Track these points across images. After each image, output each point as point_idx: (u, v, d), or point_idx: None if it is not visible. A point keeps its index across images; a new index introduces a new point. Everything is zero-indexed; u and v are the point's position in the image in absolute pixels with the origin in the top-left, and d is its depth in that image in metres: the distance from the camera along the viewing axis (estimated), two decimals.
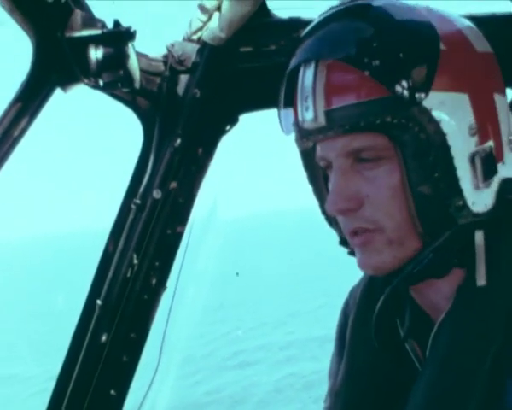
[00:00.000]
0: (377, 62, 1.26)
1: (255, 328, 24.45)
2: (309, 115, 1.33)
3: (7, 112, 1.73)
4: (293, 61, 1.38)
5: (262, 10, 1.98)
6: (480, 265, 1.33)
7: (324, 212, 1.49)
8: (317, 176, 1.47)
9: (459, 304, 1.34)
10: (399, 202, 1.31)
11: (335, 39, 1.32)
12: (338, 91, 1.30)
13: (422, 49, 1.28)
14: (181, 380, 18.36)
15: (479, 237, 1.33)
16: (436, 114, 1.27)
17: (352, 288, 1.70)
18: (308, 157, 1.45)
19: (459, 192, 1.30)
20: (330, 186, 1.36)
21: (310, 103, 1.32)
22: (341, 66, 1.29)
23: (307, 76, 1.33)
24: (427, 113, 1.27)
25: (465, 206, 1.31)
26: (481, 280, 1.32)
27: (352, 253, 1.46)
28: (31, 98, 1.75)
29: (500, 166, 1.34)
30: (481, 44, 1.37)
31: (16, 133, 1.75)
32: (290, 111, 1.41)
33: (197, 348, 22.21)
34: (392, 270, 1.35)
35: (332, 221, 1.48)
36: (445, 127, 1.27)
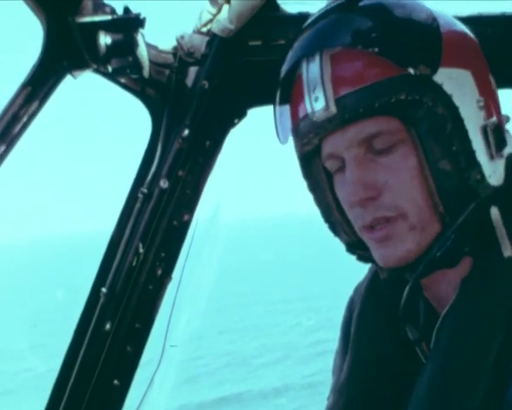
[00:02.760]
0: (386, 42, 1.28)
1: (324, 320, 25.37)
2: (319, 105, 1.31)
3: (17, 96, 1.74)
4: (292, 58, 1.38)
5: (271, 4, 1.99)
6: (502, 237, 1.32)
7: (327, 220, 1.47)
8: (320, 182, 1.44)
9: (462, 296, 1.34)
10: (419, 183, 1.31)
11: (341, 27, 1.34)
12: (347, 78, 1.30)
13: (427, 27, 1.31)
14: (272, 365, 20.33)
15: (494, 212, 1.33)
16: (447, 88, 1.29)
17: (356, 285, 1.69)
18: (309, 162, 1.43)
19: (477, 165, 1.31)
20: (346, 178, 1.33)
21: (319, 93, 1.31)
22: (347, 53, 1.31)
23: (312, 68, 1.33)
24: (438, 87, 1.29)
25: (483, 178, 1.32)
26: (508, 251, 1.32)
27: (361, 258, 1.45)
28: (41, 83, 1.76)
29: None
30: (471, 33, 1.41)
31: (25, 118, 1.76)
32: (287, 117, 1.40)
33: (275, 337, 23.65)
34: (416, 259, 1.33)
35: (337, 228, 1.46)
36: (457, 100, 1.30)
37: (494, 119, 1.34)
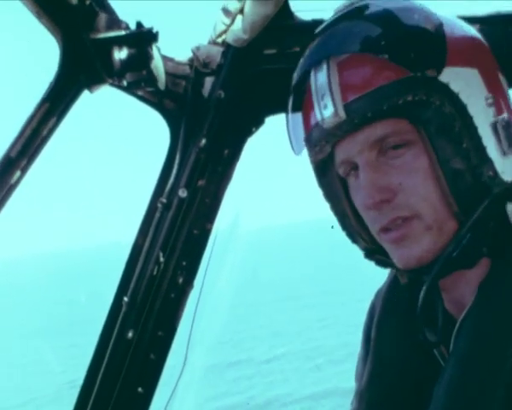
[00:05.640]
0: (392, 47, 1.29)
1: None
2: (328, 112, 1.33)
3: (36, 112, 1.79)
4: (301, 68, 1.41)
5: (285, 12, 2.00)
6: None
7: (344, 227, 1.48)
8: (335, 190, 1.46)
9: (480, 300, 1.33)
10: (432, 183, 1.31)
11: (346, 35, 1.36)
12: (354, 84, 1.32)
13: (432, 30, 1.32)
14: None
15: (511, 209, 1.33)
16: (453, 86, 1.30)
17: (378, 289, 1.69)
18: (323, 171, 1.45)
19: (488, 161, 1.31)
20: (360, 182, 1.35)
21: (328, 100, 1.33)
22: (353, 59, 1.33)
23: (319, 76, 1.35)
24: (445, 87, 1.30)
25: (496, 175, 1.32)
26: None
27: (380, 263, 1.45)
28: (59, 98, 1.81)
29: None
30: (476, 33, 1.42)
31: (45, 133, 1.81)
32: (300, 127, 1.42)
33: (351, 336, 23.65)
34: (433, 258, 1.33)
35: (354, 236, 1.47)
36: (464, 98, 1.30)
37: (504, 115, 1.34)
